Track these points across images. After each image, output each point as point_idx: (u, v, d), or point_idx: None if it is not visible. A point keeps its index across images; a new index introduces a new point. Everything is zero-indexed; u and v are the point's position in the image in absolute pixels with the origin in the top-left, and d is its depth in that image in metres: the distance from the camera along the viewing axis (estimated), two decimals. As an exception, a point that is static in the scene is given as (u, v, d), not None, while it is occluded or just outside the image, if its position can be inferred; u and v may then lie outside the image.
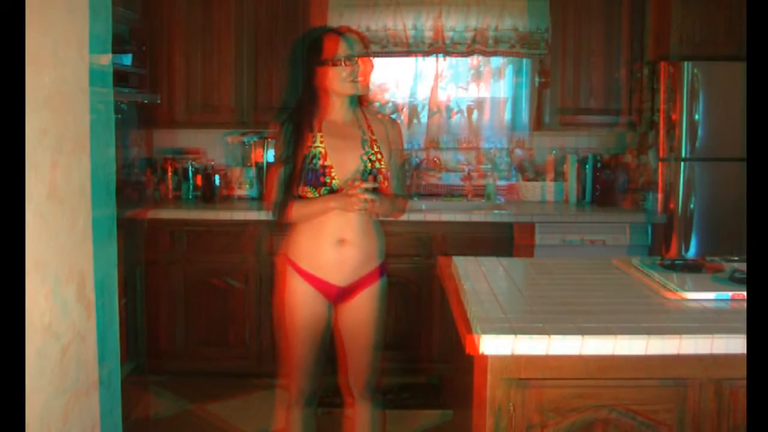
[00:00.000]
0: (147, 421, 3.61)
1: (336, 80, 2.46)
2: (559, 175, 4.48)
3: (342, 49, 2.46)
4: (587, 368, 1.74)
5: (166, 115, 4.26)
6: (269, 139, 4.32)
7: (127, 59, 3.94)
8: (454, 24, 4.28)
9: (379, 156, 2.51)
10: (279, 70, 4.19)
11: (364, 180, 2.44)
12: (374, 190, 2.47)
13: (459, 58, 4.49)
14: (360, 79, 2.48)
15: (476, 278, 2.28)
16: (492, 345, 1.71)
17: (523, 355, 1.72)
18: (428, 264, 3.84)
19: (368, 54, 2.54)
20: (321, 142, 2.47)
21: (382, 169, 2.50)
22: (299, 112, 2.52)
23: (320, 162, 2.45)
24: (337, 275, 2.48)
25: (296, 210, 2.47)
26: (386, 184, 2.52)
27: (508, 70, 4.59)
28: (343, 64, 2.45)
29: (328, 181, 2.44)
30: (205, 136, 4.56)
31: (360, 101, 2.60)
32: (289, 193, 2.48)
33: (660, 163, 3.99)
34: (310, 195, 2.46)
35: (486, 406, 1.74)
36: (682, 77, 3.84)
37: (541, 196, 4.47)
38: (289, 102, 2.58)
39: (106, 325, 1.71)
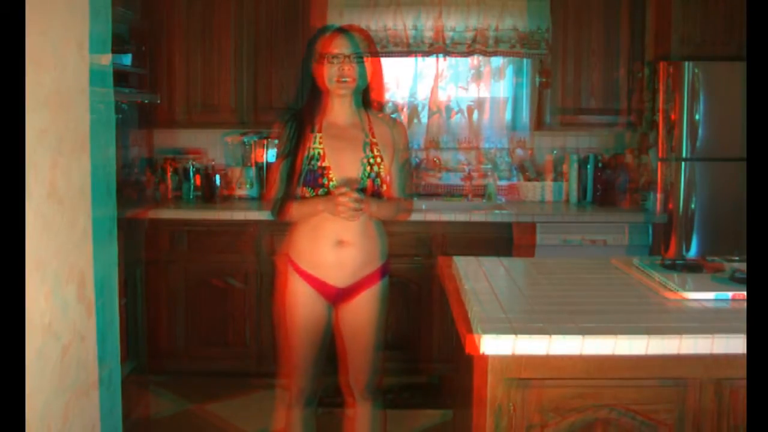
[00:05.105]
0: (147, 421, 3.61)
1: (325, 78, 2.44)
2: (560, 175, 4.48)
3: (333, 47, 2.42)
4: (587, 368, 1.74)
5: (166, 115, 4.26)
6: (270, 139, 4.32)
7: (127, 59, 3.94)
8: (454, 24, 4.28)
9: (378, 160, 2.48)
10: (279, 70, 4.19)
11: (360, 188, 2.41)
12: (373, 194, 2.46)
13: (459, 58, 4.49)
14: (348, 79, 2.43)
15: (476, 278, 2.28)
16: (492, 345, 1.71)
17: (524, 355, 1.72)
18: (428, 264, 3.84)
19: (372, 54, 2.50)
20: (320, 143, 2.46)
21: (381, 173, 2.48)
22: (302, 111, 2.51)
23: (319, 163, 2.44)
24: (337, 276, 2.47)
25: (293, 210, 2.46)
26: (385, 188, 2.50)
27: (509, 70, 4.59)
28: (329, 62, 2.42)
29: (326, 182, 2.43)
30: (205, 136, 4.56)
31: (365, 102, 2.56)
32: (289, 191, 2.47)
33: (660, 163, 3.98)
34: (308, 195, 2.45)
35: (486, 406, 1.74)
36: (682, 77, 3.84)
37: (541, 196, 4.47)
38: (295, 101, 2.57)
39: (106, 325, 1.70)
